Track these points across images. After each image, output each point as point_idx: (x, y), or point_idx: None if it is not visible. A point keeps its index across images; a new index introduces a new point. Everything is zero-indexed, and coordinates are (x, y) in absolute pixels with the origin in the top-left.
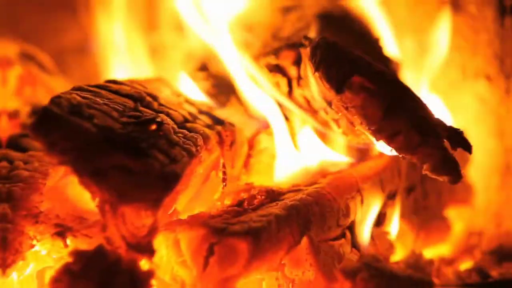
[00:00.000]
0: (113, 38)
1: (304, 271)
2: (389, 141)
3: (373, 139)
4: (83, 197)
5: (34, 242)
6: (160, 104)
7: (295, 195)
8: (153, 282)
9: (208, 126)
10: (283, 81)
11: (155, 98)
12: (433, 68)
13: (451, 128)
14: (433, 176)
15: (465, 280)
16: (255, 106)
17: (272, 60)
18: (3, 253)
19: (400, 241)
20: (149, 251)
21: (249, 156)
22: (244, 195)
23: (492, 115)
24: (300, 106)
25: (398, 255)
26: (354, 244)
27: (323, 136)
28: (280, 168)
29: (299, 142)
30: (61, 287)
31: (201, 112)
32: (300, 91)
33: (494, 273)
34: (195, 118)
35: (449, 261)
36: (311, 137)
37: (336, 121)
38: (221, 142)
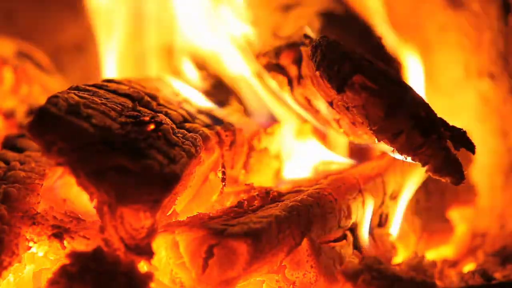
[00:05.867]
0: (112, 36)
1: (305, 273)
2: (391, 141)
3: (375, 140)
4: (81, 198)
5: (31, 243)
6: (159, 104)
7: (295, 196)
8: (152, 284)
9: (207, 126)
10: (284, 80)
11: (154, 97)
12: (436, 67)
13: (454, 128)
14: (436, 177)
15: (469, 282)
16: (255, 105)
17: (273, 59)
18: None
19: (402, 243)
20: (148, 253)
21: (249, 156)
22: (244, 196)
23: (495, 115)
24: (300, 105)
25: (400, 257)
26: (356, 246)
27: (324, 136)
28: (282, 168)
29: (300, 142)
30: None
31: (200, 111)
32: (301, 90)
33: (498, 275)
34: (194, 118)
35: (452, 263)
36: (312, 137)
37: (337, 120)
38: (220, 142)
